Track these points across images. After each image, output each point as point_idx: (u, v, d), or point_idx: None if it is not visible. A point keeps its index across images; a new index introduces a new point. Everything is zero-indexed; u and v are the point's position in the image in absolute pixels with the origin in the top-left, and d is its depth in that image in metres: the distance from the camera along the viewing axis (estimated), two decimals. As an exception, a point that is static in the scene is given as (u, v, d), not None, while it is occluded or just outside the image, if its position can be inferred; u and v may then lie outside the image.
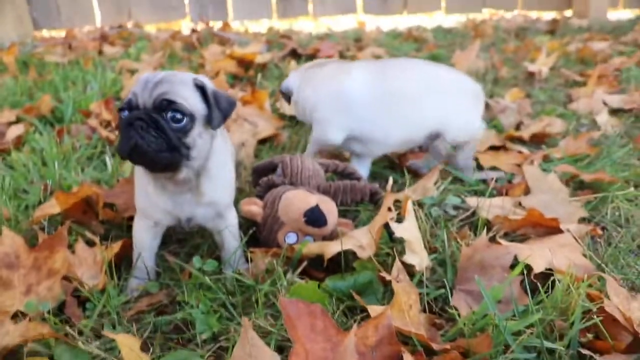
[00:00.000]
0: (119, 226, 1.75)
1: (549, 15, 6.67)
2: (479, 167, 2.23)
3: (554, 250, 1.47)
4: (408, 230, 1.39)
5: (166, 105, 1.22)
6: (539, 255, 1.44)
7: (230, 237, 1.51)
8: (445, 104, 1.97)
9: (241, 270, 1.47)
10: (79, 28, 5.34)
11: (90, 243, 1.56)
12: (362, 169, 2.08)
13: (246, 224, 1.70)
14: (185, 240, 1.72)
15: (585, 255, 1.49)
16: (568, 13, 6.67)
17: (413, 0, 6.29)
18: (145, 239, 1.49)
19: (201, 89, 1.30)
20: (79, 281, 1.42)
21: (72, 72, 3.36)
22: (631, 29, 5.35)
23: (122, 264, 1.55)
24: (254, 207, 1.58)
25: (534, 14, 6.75)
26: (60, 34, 5.15)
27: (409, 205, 1.44)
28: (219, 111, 1.30)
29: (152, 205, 1.42)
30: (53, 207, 1.71)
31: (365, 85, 1.94)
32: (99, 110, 2.63)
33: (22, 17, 5.17)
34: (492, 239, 1.53)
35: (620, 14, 7.04)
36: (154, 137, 1.21)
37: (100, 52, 4.06)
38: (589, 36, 5.05)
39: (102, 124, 2.56)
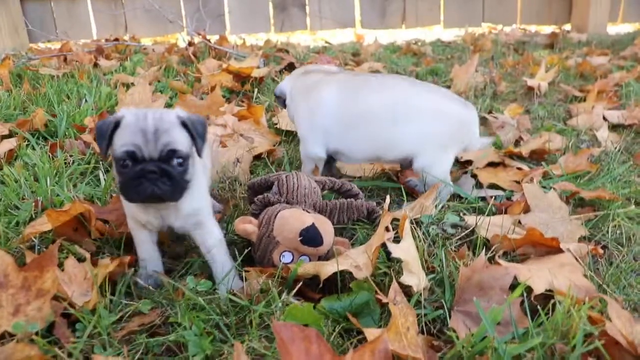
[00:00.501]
0: (113, 243, 1.72)
1: (547, 29, 6.68)
2: (478, 185, 2.20)
3: (554, 271, 1.44)
4: (405, 250, 1.36)
5: (172, 155, 1.36)
6: (538, 276, 1.41)
7: (220, 254, 1.54)
8: (418, 132, 1.98)
9: (235, 290, 1.46)
10: (75, 41, 5.32)
11: (81, 259, 1.53)
12: None
13: (241, 242, 1.67)
14: (179, 257, 1.69)
15: (586, 276, 1.46)
16: (567, 27, 6.68)
17: (412, 14, 6.30)
18: (142, 237, 1.57)
19: (184, 124, 1.41)
20: (69, 301, 1.38)
21: (66, 86, 3.34)
22: (630, 43, 5.36)
23: (117, 280, 1.51)
24: (249, 225, 1.55)
25: (532, 28, 6.77)
26: (56, 46, 5.14)
27: (407, 225, 1.41)
28: (199, 139, 1.42)
29: (137, 216, 1.53)
30: (44, 224, 1.68)
31: (336, 103, 2.02)
32: (93, 125, 2.60)
33: (17, 29, 5.16)
34: (491, 259, 1.50)
35: (620, 28, 7.06)
36: (166, 185, 1.36)
37: (96, 65, 4.04)
38: (588, 50, 5.05)
39: (96, 139, 2.52)
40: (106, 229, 1.74)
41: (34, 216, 1.86)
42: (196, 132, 1.41)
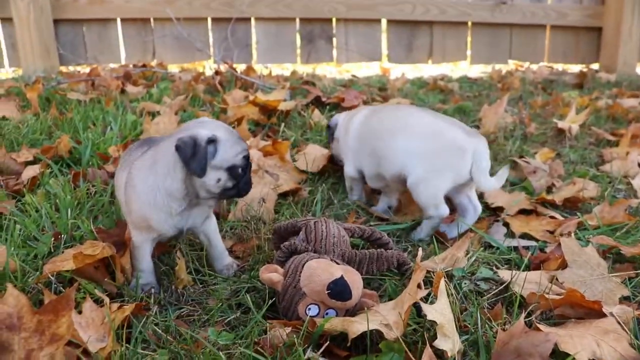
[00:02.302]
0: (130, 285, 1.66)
1: (575, 67, 6.61)
2: (510, 234, 2.12)
3: (598, 338, 1.35)
4: (440, 312, 1.28)
5: None
6: (581, 344, 1.32)
7: (218, 239, 1.83)
8: (411, 147, 2.07)
9: (234, 267, 1.81)
10: (104, 65, 5.37)
11: (99, 301, 1.48)
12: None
13: (264, 290, 1.60)
14: (199, 302, 1.62)
15: (632, 345, 1.36)
16: (595, 66, 6.61)
17: (438, 49, 6.27)
18: (148, 250, 1.70)
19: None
20: (84, 347, 1.32)
21: (93, 112, 3.33)
22: (661, 86, 5.26)
23: (133, 325, 1.45)
24: (275, 275, 1.48)
25: (559, 66, 6.70)
26: (86, 69, 5.18)
27: (442, 285, 1.33)
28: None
29: (166, 223, 1.65)
30: (66, 262, 1.62)
31: (359, 125, 2.28)
32: (117, 154, 2.58)
33: (49, 51, 5.21)
34: (529, 323, 1.41)
35: (648, 69, 6.95)
36: None
37: (123, 91, 4.05)
38: (618, 91, 4.96)
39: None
40: (126, 262, 1.69)
41: (52, 250, 1.82)
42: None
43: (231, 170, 1.60)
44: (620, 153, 3.09)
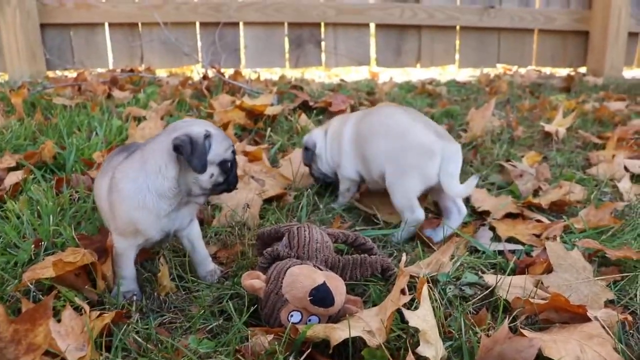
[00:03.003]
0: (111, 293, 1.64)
1: (563, 71, 6.64)
2: (497, 238, 2.12)
3: (583, 343, 1.34)
4: (423, 318, 1.27)
5: None
6: (565, 349, 1.31)
7: (201, 245, 1.82)
8: (384, 148, 2.14)
9: (217, 274, 1.81)
10: (91, 70, 5.33)
11: (79, 309, 1.46)
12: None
13: (246, 296, 1.58)
14: (181, 309, 1.60)
15: (617, 350, 1.36)
16: (582, 70, 6.64)
17: (427, 53, 6.28)
18: (131, 256, 1.68)
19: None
20: (62, 357, 1.30)
21: (78, 117, 3.30)
22: (648, 89, 5.29)
23: (114, 333, 1.43)
24: (256, 281, 1.46)
25: (547, 70, 6.72)
26: (73, 74, 5.14)
27: (425, 291, 1.32)
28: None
29: (154, 226, 1.64)
30: (46, 270, 1.59)
31: (350, 130, 2.32)
32: (102, 160, 2.55)
33: (35, 55, 5.18)
34: (513, 329, 1.40)
35: (635, 73, 7.01)
36: None
37: (109, 96, 4.02)
38: (605, 95, 4.98)
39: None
40: (107, 269, 1.67)
41: (33, 257, 1.79)
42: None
43: (222, 164, 1.63)
44: (607, 156, 3.09)
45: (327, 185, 2.55)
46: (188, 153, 1.54)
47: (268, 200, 2.38)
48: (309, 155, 2.49)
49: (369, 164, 2.22)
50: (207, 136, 1.60)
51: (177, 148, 1.55)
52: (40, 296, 1.57)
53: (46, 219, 1.97)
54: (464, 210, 2.15)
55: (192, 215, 1.77)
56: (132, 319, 1.50)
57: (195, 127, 1.61)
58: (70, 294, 1.56)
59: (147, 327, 1.48)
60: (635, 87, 5.65)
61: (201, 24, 5.62)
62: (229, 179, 1.67)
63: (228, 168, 1.65)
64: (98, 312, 1.44)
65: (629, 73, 6.85)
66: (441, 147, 2.04)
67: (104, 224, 1.87)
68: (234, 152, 1.67)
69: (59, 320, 1.37)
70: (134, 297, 1.63)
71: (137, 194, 1.59)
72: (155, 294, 1.65)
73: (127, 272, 1.68)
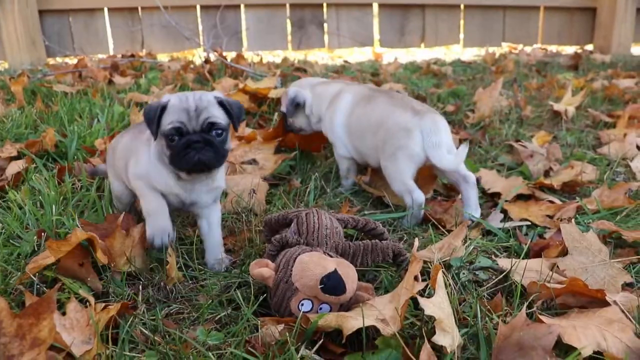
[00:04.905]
0: (117, 282, 1.60)
1: (569, 49, 6.54)
2: (508, 218, 2.07)
3: (603, 329, 1.30)
4: (439, 306, 1.22)
5: (211, 126, 1.60)
6: (585, 335, 1.27)
7: (217, 231, 1.80)
8: (370, 143, 2.18)
9: (226, 263, 1.75)
10: (92, 56, 5.27)
11: (84, 301, 1.42)
12: None
13: (255, 285, 1.54)
14: (189, 299, 1.56)
15: (638, 335, 1.31)
16: (589, 47, 6.54)
17: (431, 33, 6.19)
18: (161, 200, 1.70)
19: (221, 103, 1.65)
20: (67, 351, 1.26)
21: (79, 104, 3.25)
22: (657, 66, 5.21)
23: (120, 325, 1.39)
24: (265, 269, 1.42)
25: (553, 48, 6.63)
26: (73, 61, 5.08)
27: (440, 278, 1.28)
28: (236, 117, 1.67)
29: (168, 189, 1.70)
30: (47, 258, 1.57)
31: (342, 118, 2.30)
32: (104, 147, 2.50)
33: (35, 42, 5.12)
34: (530, 315, 1.36)
35: (643, 50, 6.91)
36: (209, 152, 1.59)
37: (110, 82, 3.96)
38: (614, 72, 4.90)
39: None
40: (112, 259, 1.63)
41: (36, 248, 1.75)
42: (232, 110, 1.65)
43: (165, 138, 1.60)
44: (618, 135, 3.04)
45: (335, 167, 2.51)
46: (146, 119, 1.62)
47: (274, 185, 2.33)
48: (292, 109, 2.48)
49: (366, 158, 2.27)
50: (164, 107, 1.60)
51: (143, 113, 1.64)
52: (45, 289, 1.53)
53: (48, 208, 1.93)
54: (471, 178, 2.07)
55: (212, 197, 1.77)
56: (139, 310, 1.47)
57: (173, 96, 1.63)
58: (74, 285, 1.52)
59: (153, 318, 1.44)
60: (644, 64, 5.57)
61: (202, 7, 5.54)
62: (172, 156, 1.61)
63: (169, 143, 1.59)
64: (103, 304, 1.40)
65: (637, 50, 6.75)
66: (417, 121, 2.03)
67: (114, 205, 1.99)
68: (176, 129, 1.58)
69: (63, 314, 1.34)
70: (168, 237, 1.65)
71: (148, 158, 1.71)
72: (162, 283, 1.61)
73: (154, 205, 1.69)
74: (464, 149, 1.97)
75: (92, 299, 1.40)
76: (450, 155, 2.00)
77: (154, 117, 1.59)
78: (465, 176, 2.07)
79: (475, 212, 2.04)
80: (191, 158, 1.59)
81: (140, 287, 1.58)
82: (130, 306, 1.47)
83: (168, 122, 1.59)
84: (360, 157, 2.30)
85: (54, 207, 1.93)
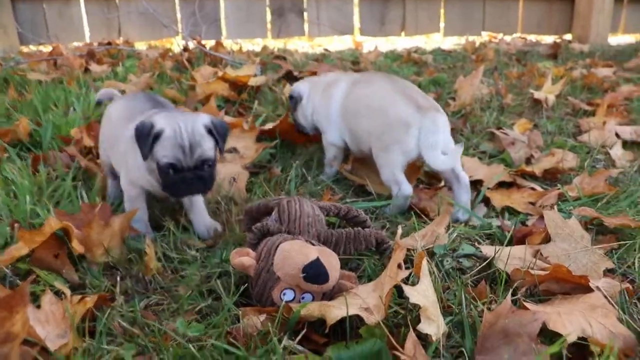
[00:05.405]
0: (94, 273, 1.56)
1: (548, 38, 6.58)
2: (490, 207, 2.06)
3: (587, 315, 1.29)
4: (424, 294, 1.21)
5: (204, 163, 1.69)
6: (570, 321, 1.27)
7: (201, 202, 1.88)
8: (366, 127, 2.12)
9: (215, 228, 1.85)
10: (67, 44, 5.16)
11: (60, 294, 1.38)
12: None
13: (236, 274, 1.51)
14: (168, 290, 1.53)
15: (621, 320, 1.31)
16: (568, 37, 6.58)
17: (411, 21, 6.17)
18: (144, 209, 1.85)
19: (210, 131, 1.71)
20: (42, 345, 1.22)
21: (54, 92, 3.17)
22: (634, 55, 5.25)
23: (98, 317, 1.35)
24: (246, 258, 1.39)
25: (533, 37, 6.66)
26: (48, 49, 4.97)
27: (424, 265, 1.26)
28: (222, 141, 1.75)
29: (157, 191, 1.81)
30: (20, 249, 1.52)
31: (339, 102, 2.25)
32: (80, 136, 2.44)
33: (7, 30, 4.99)
34: (515, 301, 1.35)
35: (620, 39, 6.97)
36: (200, 184, 1.71)
37: (87, 70, 3.88)
38: (592, 62, 4.94)
39: (82, 152, 2.37)
40: (89, 249, 1.59)
41: (9, 240, 1.70)
42: (219, 136, 1.73)
43: (159, 168, 1.68)
44: (597, 123, 3.05)
45: (316, 155, 2.48)
46: (138, 137, 1.66)
47: (254, 173, 2.30)
48: (293, 103, 2.50)
49: (358, 140, 2.19)
50: (158, 133, 1.65)
51: (135, 129, 1.67)
52: (18, 281, 1.49)
53: (22, 199, 1.87)
54: (464, 179, 2.04)
55: None
56: (116, 302, 1.43)
57: (162, 120, 1.67)
58: (49, 277, 1.48)
59: (132, 310, 1.40)
60: (621, 53, 5.62)
61: (180, -6, 5.45)
62: (165, 185, 1.71)
63: (163, 174, 1.68)
64: (80, 296, 1.36)
65: (614, 40, 6.81)
66: (418, 119, 1.96)
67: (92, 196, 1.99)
68: (173, 166, 1.66)
69: (38, 306, 1.30)
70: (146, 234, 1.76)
71: (137, 163, 1.76)
72: (141, 274, 1.57)
73: (137, 214, 1.78)
74: (459, 149, 1.94)
75: (67, 291, 1.35)
76: (444, 156, 1.95)
77: (145, 142, 1.65)
78: (458, 176, 2.04)
79: (465, 214, 2.01)
80: (183, 190, 1.71)
81: (118, 278, 1.54)
82: (108, 298, 1.43)
83: (163, 155, 1.66)
84: (354, 142, 2.22)
85: (27, 197, 1.87)
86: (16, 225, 1.72)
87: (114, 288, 1.49)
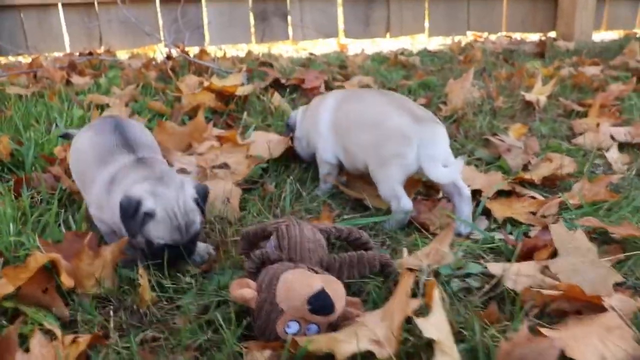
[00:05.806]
0: (86, 307, 1.48)
1: (533, 36, 6.57)
2: (490, 218, 2.02)
3: (603, 338, 1.24)
4: (437, 326, 1.15)
5: (195, 235, 1.68)
6: (586, 346, 1.22)
7: None
8: (362, 142, 2.04)
9: (209, 253, 1.78)
10: (47, 54, 5.04)
11: (50, 334, 1.30)
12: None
13: (236, 305, 1.44)
14: (165, 322, 1.46)
15: (638, 342, 1.26)
16: (552, 34, 6.59)
17: (396, 22, 6.13)
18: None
19: (197, 202, 1.68)
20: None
21: (35, 107, 3.08)
22: (619, 52, 5.25)
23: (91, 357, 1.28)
24: (247, 291, 1.32)
25: (517, 36, 6.65)
26: (27, 60, 4.85)
27: (436, 295, 1.20)
28: (204, 207, 1.72)
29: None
30: (4, 285, 1.44)
31: (328, 116, 2.20)
32: (64, 155, 2.35)
33: (-16, 42, 4.87)
34: (530, 328, 1.30)
35: (604, 35, 6.99)
36: (187, 252, 1.67)
37: (68, 83, 3.78)
38: (579, 60, 4.93)
39: (67, 172, 2.28)
40: (79, 281, 1.51)
41: (-7, 275, 1.61)
42: (203, 204, 1.70)
43: (151, 244, 1.63)
44: (591, 124, 3.02)
45: (310, 170, 2.41)
46: (124, 215, 1.58)
47: (247, 190, 2.23)
48: (287, 132, 2.51)
49: (353, 158, 2.11)
50: (149, 213, 1.58)
51: (120, 205, 1.57)
52: (4, 321, 1.40)
53: (5, 228, 1.78)
54: (465, 192, 1.98)
55: None
56: (111, 339, 1.35)
57: (149, 197, 1.58)
58: (38, 315, 1.40)
59: (127, 346, 1.33)
60: (606, 50, 5.62)
61: (161, 1, 5.36)
62: (151, 254, 1.65)
63: (155, 250, 1.63)
64: (72, 336, 1.28)
65: (597, 36, 6.83)
66: (417, 131, 1.91)
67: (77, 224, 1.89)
68: (169, 246, 1.62)
69: (27, 350, 1.22)
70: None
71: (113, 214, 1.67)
72: (135, 306, 1.50)
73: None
74: (460, 162, 1.88)
75: (58, 332, 1.28)
76: (445, 169, 1.89)
77: (133, 222, 1.58)
78: (460, 189, 1.98)
79: (467, 227, 1.95)
80: (173, 262, 1.66)
81: (112, 311, 1.46)
82: (102, 336, 1.35)
83: (158, 236, 1.60)
84: (348, 159, 2.14)
85: (11, 225, 1.79)
86: (0, 259, 1.63)
87: (107, 323, 1.42)
